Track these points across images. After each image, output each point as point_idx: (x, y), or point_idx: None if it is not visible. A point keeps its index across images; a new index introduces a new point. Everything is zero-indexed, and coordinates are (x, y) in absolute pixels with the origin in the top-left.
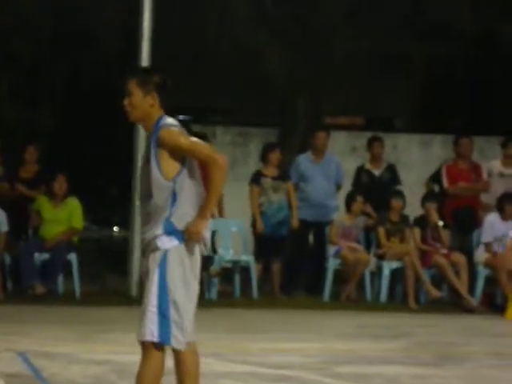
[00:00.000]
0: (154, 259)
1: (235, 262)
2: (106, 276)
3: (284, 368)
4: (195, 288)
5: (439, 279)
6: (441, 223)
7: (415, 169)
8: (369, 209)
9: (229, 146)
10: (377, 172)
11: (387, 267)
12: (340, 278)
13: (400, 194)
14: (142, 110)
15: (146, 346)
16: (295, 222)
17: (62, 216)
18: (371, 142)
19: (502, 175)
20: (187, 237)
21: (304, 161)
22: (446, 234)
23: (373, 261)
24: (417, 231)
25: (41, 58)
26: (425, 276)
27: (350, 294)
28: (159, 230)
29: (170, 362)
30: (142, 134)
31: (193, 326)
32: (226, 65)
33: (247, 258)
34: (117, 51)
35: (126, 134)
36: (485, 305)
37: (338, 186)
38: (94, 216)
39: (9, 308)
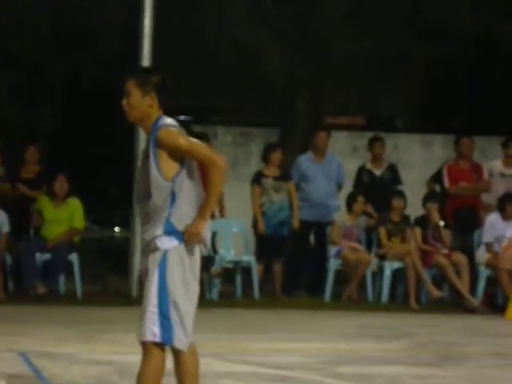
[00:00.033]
0: (154, 259)
1: (236, 263)
2: (108, 276)
3: (284, 368)
4: (195, 288)
5: (440, 279)
6: (442, 223)
7: (416, 169)
8: (370, 209)
9: (230, 146)
10: (378, 172)
11: (388, 267)
12: (341, 278)
13: (401, 194)
14: (141, 111)
15: (146, 347)
16: (296, 223)
17: (63, 216)
18: (372, 142)
19: (502, 175)
20: (187, 238)
21: (305, 161)
22: (447, 234)
23: (374, 261)
24: (418, 231)
25: (41, 57)
26: (426, 276)
27: (351, 295)
28: (159, 231)
29: (169, 362)
30: (142, 134)
31: (192, 326)
32: (226, 65)
33: (248, 258)
34: (117, 51)
35: (127, 133)
36: (486, 305)
37: (339, 186)
38: (95, 216)
39: (10, 308)
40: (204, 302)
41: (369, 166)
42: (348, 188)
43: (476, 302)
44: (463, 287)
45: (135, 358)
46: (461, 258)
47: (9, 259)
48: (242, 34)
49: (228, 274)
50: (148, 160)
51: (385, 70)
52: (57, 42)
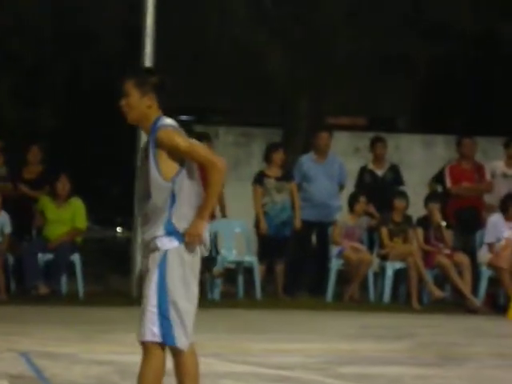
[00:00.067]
0: (154, 259)
1: (238, 263)
2: (109, 276)
3: (286, 368)
4: (195, 289)
5: (442, 279)
6: (444, 223)
7: (418, 169)
8: (372, 209)
9: (232, 146)
10: (380, 172)
11: (390, 267)
12: (343, 278)
13: (403, 195)
14: (140, 111)
15: (146, 347)
16: (298, 223)
17: (66, 216)
18: (374, 143)
19: (505, 176)
20: (188, 239)
21: (307, 161)
22: (449, 235)
23: (376, 261)
24: (420, 231)
25: (41, 57)
26: (428, 276)
27: (353, 295)
28: (159, 231)
29: (169, 362)
30: (143, 134)
31: (192, 326)
32: (227, 65)
33: (250, 258)
34: (117, 51)
35: (128, 133)
36: (488, 305)
37: (341, 186)
38: (97, 216)
39: (12, 308)
40: (206, 302)
41: (371, 166)
42: (350, 188)
43: (478, 302)
44: (465, 287)
45: (136, 358)
46: (463, 259)
47: (11, 259)
48: (243, 34)
49: (230, 275)
50: (147, 160)
51: (386, 70)
52: (57, 42)
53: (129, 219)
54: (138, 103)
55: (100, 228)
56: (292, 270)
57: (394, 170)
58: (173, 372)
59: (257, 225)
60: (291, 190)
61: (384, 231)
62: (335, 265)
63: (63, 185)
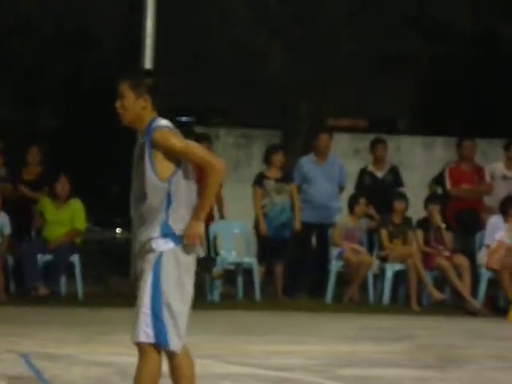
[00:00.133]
0: (149, 261)
1: (238, 264)
2: (109, 277)
3: (285, 370)
4: (190, 290)
5: (442, 281)
6: (443, 225)
7: (418, 171)
8: (372, 211)
9: (232, 147)
10: (380, 174)
11: (390, 269)
12: (343, 280)
13: (403, 196)
14: (134, 113)
15: (142, 348)
16: (298, 224)
17: (65, 217)
18: (374, 144)
19: (504, 177)
20: (186, 240)
21: (307, 163)
22: (448, 236)
23: (375, 263)
24: (419, 233)
25: (41, 58)
26: (427, 278)
27: (352, 296)
28: (155, 233)
29: (165, 364)
30: None
31: (186, 328)
32: (227, 66)
33: (250, 260)
34: (117, 52)
35: (128, 134)
36: (487, 307)
37: (341, 188)
38: (97, 217)
39: (11, 309)
40: (205, 303)
41: (371, 167)
42: (350, 190)
43: (477, 304)
44: (465, 289)
45: (136, 359)
46: (462, 260)
47: (10, 260)
48: (243, 35)
49: (229, 276)
50: (143, 161)
51: (386, 72)
52: (57, 43)
53: (128, 220)
54: (133, 105)
55: (99, 229)
56: (291, 272)
57: (394, 171)
58: (168, 374)
59: (256, 226)
60: (291, 191)
61: (384, 233)
62: (335, 266)
63: (62, 186)
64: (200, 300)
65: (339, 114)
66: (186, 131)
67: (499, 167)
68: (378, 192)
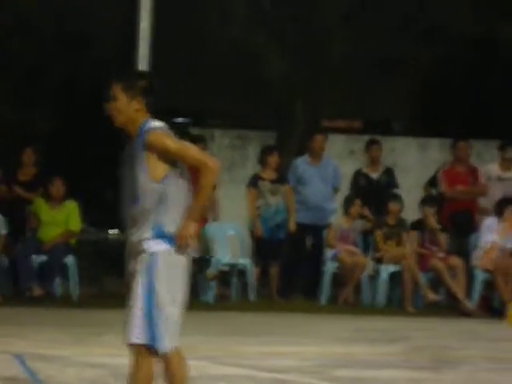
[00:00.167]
0: (142, 262)
1: (232, 266)
2: (104, 278)
3: (280, 371)
4: (182, 292)
5: (436, 283)
6: (438, 227)
7: (413, 172)
8: (366, 212)
9: (227, 148)
10: (374, 175)
11: (385, 271)
12: (337, 281)
13: (397, 198)
14: (127, 115)
15: (135, 350)
16: (292, 226)
17: (60, 218)
18: (369, 146)
19: (499, 179)
20: (179, 241)
21: (302, 164)
22: (443, 238)
23: (370, 264)
24: (414, 235)
25: (38, 59)
26: (422, 280)
27: (347, 298)
28: (147, 234)
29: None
30: None
31: (178, 329)
32: (224, 68)
33: (244, 261)
34: (115, 53)
35: (124, 136)
36: (482, 308)
37: (336, 189)
38: (92, 218)
39: (6, 310)
40: (200, 304)
41: (365, 169)
42: (345, 191)
43: (472, 305)
44: (459, 291)
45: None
46: (457, 262)
47: (5, 261)
48: (240, 37)
49: (224, 277)
50: (135, 163)
51: (382, 73)
52: (55, 44)
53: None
54: (126, 107)
55: (94, 230)
56: (286, 273)
57: (389, 173)
58: (162, 375)
59: (251, 227)
60: (286, 192)
61: (378, 234)
62: (330, 268)
63: (57, 187)
64: (194, 301)
65: (334, 115)
66: (182, 132)
67: (494, 168)
68: (373, 193)
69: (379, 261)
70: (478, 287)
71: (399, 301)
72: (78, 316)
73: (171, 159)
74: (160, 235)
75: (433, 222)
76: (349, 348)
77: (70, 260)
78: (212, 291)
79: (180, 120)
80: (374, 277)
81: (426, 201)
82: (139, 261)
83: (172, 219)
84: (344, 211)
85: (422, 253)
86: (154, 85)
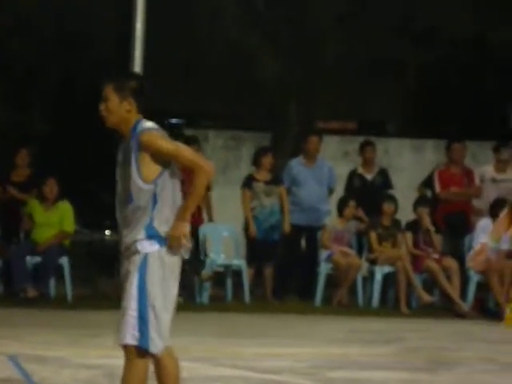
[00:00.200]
0: (134, 263)
1: (227, 266)
2: (98, 279)
3: (274, 372)
4: (174, 292)
5: (431, 284)
6: (433, 228)
7: (407, 173)
8: (361, 213)
9: (221, 149)
10: (369, 176)
11: (379, 272)
12: (332, 282)
13: (392, 199)
14: (119, 116)
15: (129, 351)
16: (287, 227)
17: (54, 219)
18: (363, 147)
19: (494, 180)
20: (170, 241)
21: (296, 165)
22: (437, 239)
23: (365, 265)
24: (409, 236)
25: (37, 60)
26: (417, 281)
27: (341, 299)
28: (140, 235)
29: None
30: None
31: (169, 330)
32: (217, 69)
33: (239, 262)
34: (114, 53)
35: (118, 137)
36: (476, 310)
37: (330, 191)
38: (86, 219)
39: (0, 311)
40: (194, 305)
41: (360, 170)
42: (339, 192)
43: (466, 306)
44: (454, 292)
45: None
46: (451, 263)
47: None
48: (234, 38)
49: (218, 278)
50: (128, 164)
51: (376, 74)
52: (54, 44)
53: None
54: (118, 108)
55: (89, 231)
56: (281, 274)
57: (383, 174)
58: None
59: (246, 228)
60: (280, 193)
61: (373, 235)
62: (324, 269)
63: (51, 188)
64: (189, 302)
65: (328, 116)
66: (175, 133)
67: (489, 170)
68: (368, 194)
69: (373, 262)
70: (472, 288)
71: (394, 302)
72: (72, 317)
73: (164, 160)
74: (153, 235)
75: (427, 223)
76: (343, 349)
77: (64, 261)
78: (207, 292)
79: (174, 121)
80: (369, 278)
81: (420, 202)
82: (132, 261)
83: (164, 219)
84: (338, 212)
85: (416, 254)
86: (145, 86)
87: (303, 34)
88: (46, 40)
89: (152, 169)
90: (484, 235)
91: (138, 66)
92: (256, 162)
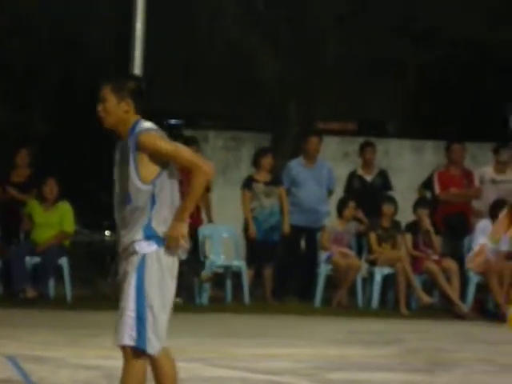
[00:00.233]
0: (132, 263)
1: (226, 267)
2: (98, 280)
3: (274, 374)
4: (171, 293)
5: (430, 285)
6: (432, 229)
7: (407, 174)
8: (360, 214)
9: (221, 150)
10: (369, 177)
11: (379, 273)
12: (331, 283)
13: (392, 200)
14: (117, 117)
15: (127, 351)
16: (287, 228)
17: (54, 220)
18: (363, 148)
19: (493, 181)
20: (168, 242)
21: (296, 166)
22: (437, 240)
23: (364, 267)
24: (408, 237)
25: (36, 60)
26: (416, 282)
27: (341, 300)
28: (138, 235)
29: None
30: None
31: (166, 330)
32: (217, 69)
33: (239, 263)
34: (114, 54)
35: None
36: (476, 311)
37: (330, 192)
38: (86, 220)
39: None
40: (194, 306)
41: (360, 171)
42: (339, 193)
43: (466, 308)
44: (453, 293)
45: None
46: (451, 264)
47: None
48: (234, 38)
49: (218, 279)
50: (126, 164)
51: (376, 75)
52: (53, 45)
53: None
54: (115, 108)
55: (88, 232)
56: (280, 275)
57: (383, 175)
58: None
59: (245, 229)
60: (280, 194)
61: (372, 236)
62: (324, 270)
63: (50, 188)
64: (189, 303)
65: (328, 116)
66: (175, 134)
67: (488, 171)
68: (367, 195)
69: (373, 263)
70: (471, 290)
71: (393, 303)
72: (71, 318)
73: (163, 160)
74: (151, 236)
75: (427, 224)
76: (343, 350)
77: (63, 261)
78: (206, 293)
79: (173, 121)
80: (368, 279)
81: (420, 203)
82: (130, 262)
83: (162, 220)
84: (338, 213)
85: (416, 255)
86: (144, 86)
87: (303, 33)
88: (45, 40)
89: (150, 169)
90: (483, 236)
91: (137, 67)
92: (256, 162)
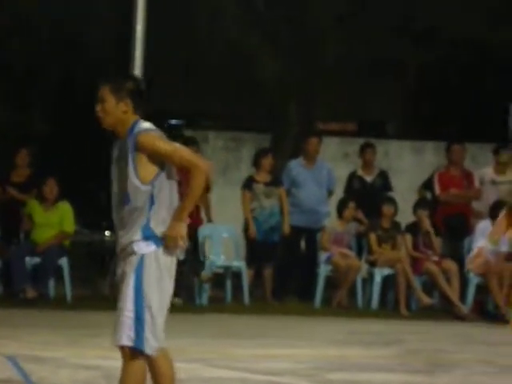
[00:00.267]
0: (131, 263)
1: (226, 268)
2: (97, 280)
3: (274, 374)
4: (169, 293)
5: (430, 286)
6: (432, 230)
7: (407, 175)
8: (360, 215)
9: (221, 150)
10: (369, 178)
11: (379, 274)
12: (331, 284)
13: (392, 201)
14: (115, 117)
15: (126, 352)
16: (286, 228)
17: (54, 220)
18: (363, 149)
19: (493, 182)
20: (167, 242)
21: (296, 166)
22: (437, 241)
23: (364, 267)
24: (408, 238)
25: (36, 60)
26: (416, 283)
27: (341, 301)
28: (137, 236)
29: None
30: None
31: (163, 331)
32: (217, 69)
33: (238, 263)
34: (114, 54)
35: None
36: (476, 312)
37: (330, 192)
38: (86, 220)
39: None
40: (194, 307)
41: (360, 172)
42: (339, 194)
43: (466, 309)
44: (453, 294)
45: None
46: (451, 265)
47: None
48: (234, 38)
49: (218, 279)
50: (125, 164)
51: (376, 75)
52: (53, 45)
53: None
54: (114, 109)
55: (88, 232)
56: (280, 275)
57: (383, 176)
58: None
59: (245, 230)
60: (280, 195)
61: (372, 237)
62: (324, 271)
63: (50, 188)
64: (189, 303)
65: (328, 117)
66: (175, 134)
67: (488, 172)
68: (367, 196)
69: (373, 264)
70: (471, 291)
71: (393, 304)
72: (71, 318)
73: (161, 161)
74: (149, 236)
75: (427, 225)
76: (343, 351)
77: (63, 262)
78: (206, 293)
79: (173, 122)
80: (368, 280)
81: (420, 204)
82: (128, 262)
83: (161, 220)
84: (338, 214)
85: (416, 256)
86: (142, 87)
87: (303, 33)
88: (45, 40)
89: (149, 170)
90: (483, 238)
91: (138, 67)
92: (256, 163)
